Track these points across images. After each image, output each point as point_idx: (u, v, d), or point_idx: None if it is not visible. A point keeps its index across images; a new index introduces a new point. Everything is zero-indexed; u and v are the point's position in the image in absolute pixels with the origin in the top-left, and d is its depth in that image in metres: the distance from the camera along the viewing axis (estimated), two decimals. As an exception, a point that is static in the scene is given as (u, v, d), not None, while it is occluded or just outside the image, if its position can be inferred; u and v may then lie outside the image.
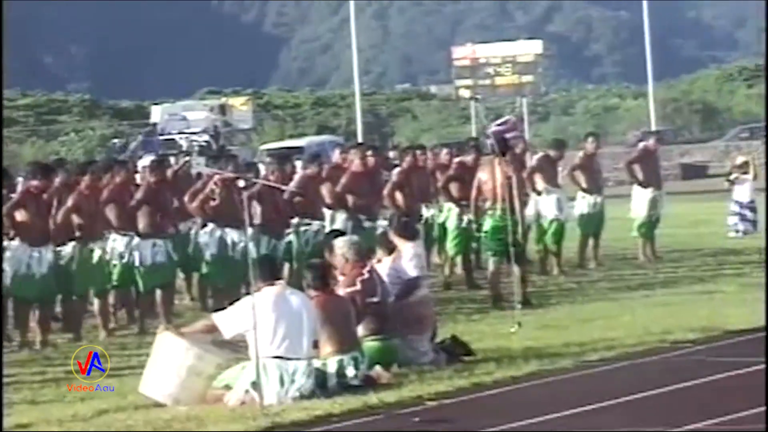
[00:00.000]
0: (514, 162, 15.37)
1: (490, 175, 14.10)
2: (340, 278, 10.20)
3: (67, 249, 13.24)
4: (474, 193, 14.31)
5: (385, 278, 10.50)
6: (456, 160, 16.52)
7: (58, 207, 13.14)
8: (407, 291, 10.63)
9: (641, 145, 19.22)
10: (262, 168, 16.38)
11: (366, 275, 10.18)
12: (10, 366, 11.66)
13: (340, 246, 10.37)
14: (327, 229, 13.96)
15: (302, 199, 14.55)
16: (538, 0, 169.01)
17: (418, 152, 16.58)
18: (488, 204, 14.13)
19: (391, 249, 10.90)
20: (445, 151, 17.37)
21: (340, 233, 11.21)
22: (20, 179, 14.11)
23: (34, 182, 12.84)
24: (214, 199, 13.69)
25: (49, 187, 13.11)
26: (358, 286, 10.10)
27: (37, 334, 13.03)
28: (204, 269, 14.21)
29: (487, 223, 14.10)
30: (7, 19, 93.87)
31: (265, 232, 14.11)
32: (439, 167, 16.86)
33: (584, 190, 17.60)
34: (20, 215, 12.71)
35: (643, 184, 18.17)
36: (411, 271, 10.72)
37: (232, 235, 13.80)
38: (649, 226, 18.16)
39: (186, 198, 13.86)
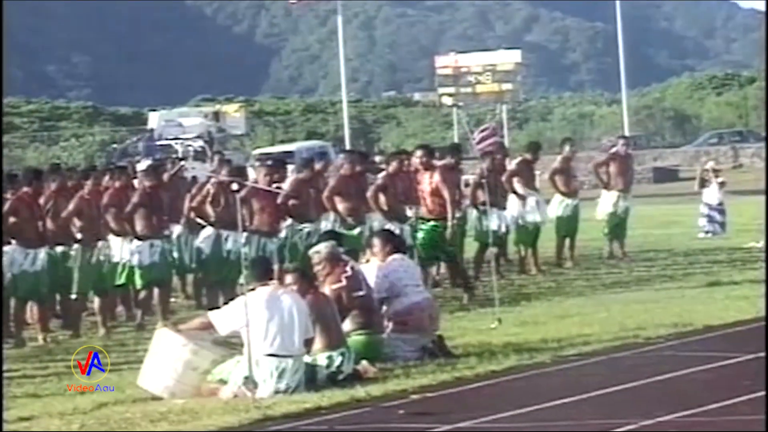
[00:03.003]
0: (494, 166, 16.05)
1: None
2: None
3: (69, 250, 13.61)
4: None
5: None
6: (441, 163, 16.93)
7: (54, 210, 13.54)
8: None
9: (611, 150, 19.59)
10: (251, 171, 16.73)
11: (349, 272, 10.52)
12: (13, 361, 11.92)
13: (322, 249, 10.73)
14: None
15: (296, 202, 14.92)
16: (518, 9, 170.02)
17: (403, 156, 16.99)
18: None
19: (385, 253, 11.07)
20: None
21: (334, 234, 11.45)
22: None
23: (26, 188, 13.27)
24: (212, 202, 14.07)
25: (40, 192, 13.50)
26: (344, 282, 10.42)
27: (38, 331, 13.37)
28: (200, 269, 14.62)
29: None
30: (13, 30, 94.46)
31: (257, 234, 14.44)
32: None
33: (562, 193, 17.97)
34: (14, 219, 13.07)
35: (609, 187, 18.59)
36: (377, 288, 10.77)
37: (227, 236, 14.22)
38: (614, 226, 18.55)
39: (186, 201, 14.18)
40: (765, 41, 48.30)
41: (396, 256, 11.05)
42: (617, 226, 18.52)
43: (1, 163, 34.09)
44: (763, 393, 8.51)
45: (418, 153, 15.33)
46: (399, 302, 10.81)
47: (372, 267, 11.01)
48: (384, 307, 10.76)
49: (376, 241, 11.19)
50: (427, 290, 11.40)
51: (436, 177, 14.90)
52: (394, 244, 11.26)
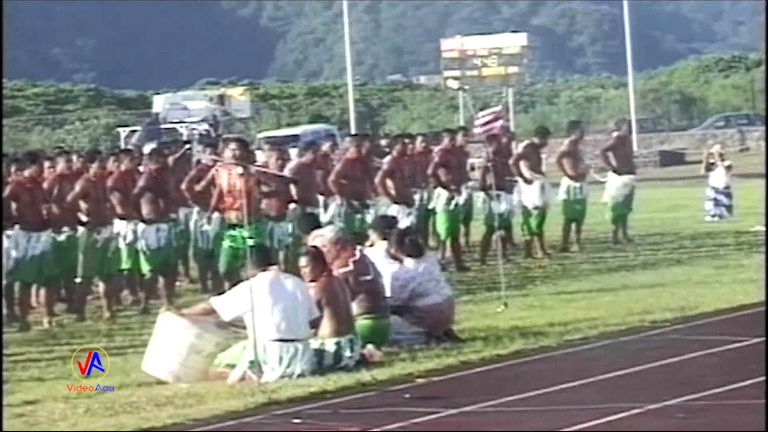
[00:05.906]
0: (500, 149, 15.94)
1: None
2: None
3: (75, 234, 13.61)
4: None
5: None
6: (440, 147, 16.94)
7: (58, 193, 13.53)
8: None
9: (614, 133, 19.48)
10: (260, 155, 16.70)
11: (357, 256, 10.50)
12: (18, 345, 11.94)
13: (328, 233, 10.70)
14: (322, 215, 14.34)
15: (299, 186, 14.86)
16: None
17: (407, 140, 16.99)
18: None
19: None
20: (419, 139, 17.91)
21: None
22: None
23: (25, 172, 13.25)
24: (214, 186, 14.01)
25: (41, 176, 13.49)
26: (351, 267, 10.38)
27: (43, 315, 13.38)
28: (206, 254, 14.60)
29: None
30: (17, 13, 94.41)
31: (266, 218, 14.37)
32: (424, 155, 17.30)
33: (570, 177, 17.90)
34: (15, 203, 13.07)
35: (619, 171, 18.52)
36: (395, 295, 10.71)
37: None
38: (620, 210, 18.48)
39: (184, 185, 14.14)
40: (765, 27, 48.25)
41: (413, 260, 10.83)
42: (619, 209, 18.47)
43: (1, 147, 34.08)
44: (768, 377, 8.52)
45: (232, 146, 12.43)
46: (420, 301, 10.76)
47: (378, 251, 10.97)
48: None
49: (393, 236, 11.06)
50: (448, 286, 11.22)
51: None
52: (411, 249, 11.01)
